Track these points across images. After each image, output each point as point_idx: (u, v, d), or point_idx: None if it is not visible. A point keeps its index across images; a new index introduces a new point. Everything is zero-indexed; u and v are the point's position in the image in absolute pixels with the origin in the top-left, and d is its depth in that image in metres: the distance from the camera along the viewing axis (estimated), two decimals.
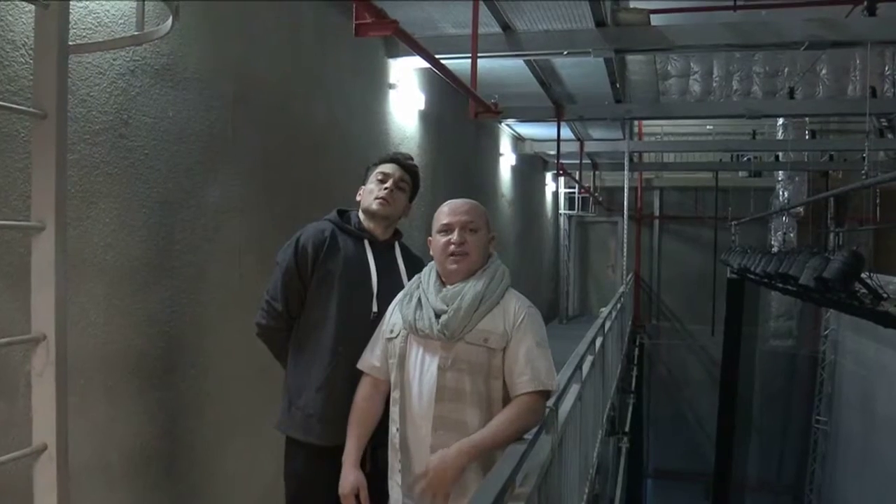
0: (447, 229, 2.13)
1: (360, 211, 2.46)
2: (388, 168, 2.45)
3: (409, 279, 2.36)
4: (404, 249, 2.51)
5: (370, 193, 2.42)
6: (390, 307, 2.25)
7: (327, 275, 2.34)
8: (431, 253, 2.19)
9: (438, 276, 2.16)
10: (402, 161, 2.49)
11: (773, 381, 14.86)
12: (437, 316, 2.04)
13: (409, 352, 2.10)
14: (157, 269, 2.87)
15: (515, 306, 2.09)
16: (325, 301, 2.34)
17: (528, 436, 1.95)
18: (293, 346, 2.41)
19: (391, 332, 2.17)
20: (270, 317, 2.40)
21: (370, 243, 2.41)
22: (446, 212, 2.17)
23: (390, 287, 2.33)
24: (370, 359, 2.23)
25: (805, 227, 13.84)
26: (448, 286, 2.11)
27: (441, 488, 1.85)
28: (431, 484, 1.85)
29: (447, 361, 2.03)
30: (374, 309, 2.32)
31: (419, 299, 2.11)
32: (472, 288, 2.07)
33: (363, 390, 2.23)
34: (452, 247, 2.10)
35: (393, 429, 2.11)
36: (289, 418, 2.39)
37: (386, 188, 2.40)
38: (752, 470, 14.88)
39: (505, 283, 2.14)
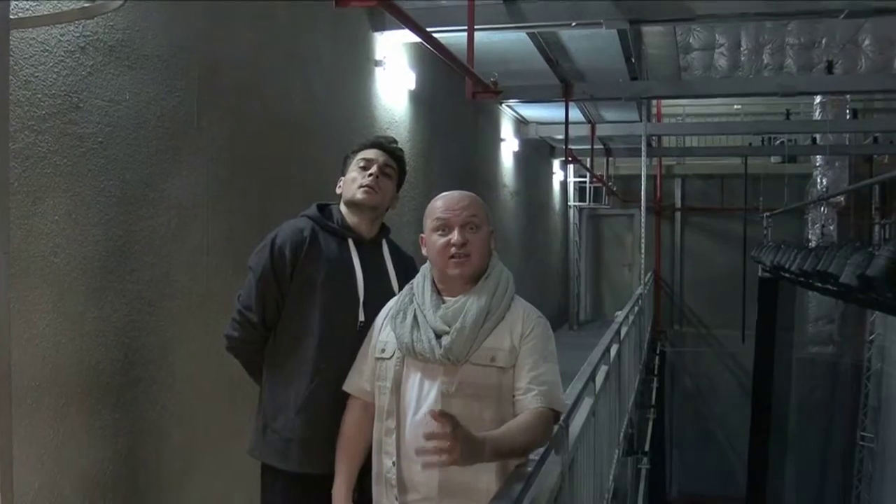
0: (444, 227, 2.11)
1: (341, 204, 2.46)
2: (370, 154, 2.44)
3: (399, 282, 2.36)
4: (393, 248, 2.51)
5: (352, 182, 2.41)
6: (378, 320, 2.24)
7: (308, 281, 2.33)
8: (425, 254, 2.17)
9: (433, 285, 2.14)
10: (385, 145, 2.48)
11: (812, 392, 14.90)
12: (438, 336, 2.03)
13: (405, 376, 2.09)
14: (113, 272, 2.87)
15: (523, 317, 2.09)
16: (306, 311, 2.33)
17: (535, 456, 1.95)
18: (269, 361, 2.41)
19: (382, 351, 2.16)
20: (243, 329, 2.39)
21: (355, 243, 2.40)
22: (441, 206, 2.14)
23: (378, 293, 2.33)
24: (358, 380, 2.21)
25: (846, 218, 13.88)
26: (448, 299, 2.10)
27: (448, 454, 1.72)
28: (446, 446, 1.72)
29: (451, 387, 2.01)
30: (361, 319, 2.31)
31: (415, 316, 2.09)
32: (474, 302, 2.05)
33: (352, 415, 2.22)
34: (454, 248, 2.08)
35: (388, 462, 2.08)
36: (264, 443, 2.38)
37: (371, 174, 2.39)
38: (790, 493, 14.92)
39: (510, 292, 2.13)
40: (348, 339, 2.28)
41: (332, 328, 2.32)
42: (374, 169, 2.41)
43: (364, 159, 2.43)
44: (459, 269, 2.09)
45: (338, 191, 2.48)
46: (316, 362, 2.31)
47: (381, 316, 2.23)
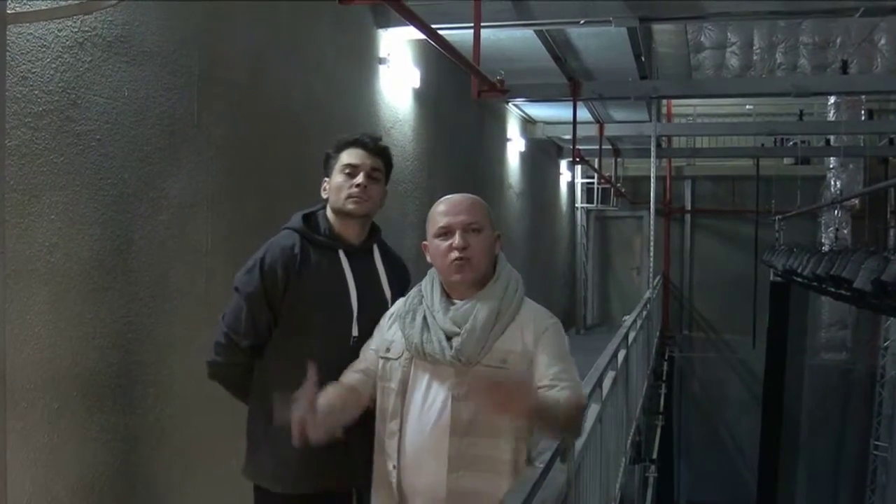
0: (446, 232, 2.12)
1: (328, 210, 2.42)
2: (354, 158, 2.37)
3: (392, 289, 2.36)
4: (384, 252, 2.48)
5: (339, 191, 2.35)
6: (384, 319, 2.24)
7: (300, 300, 2.30)
8: (430, 260, 2.18)
9: (443, 287, 2.15)
10: (368, 145, 2.40)
11: (825, 400, 14.86)
12: (449, 338, 2.04)
13: (412, 378, 2.09)
14: (111, 272, 2.87)
15: (535, 319, 2.10)
16: (299, 330, 2.31)
17: (540, 464, 1.94)
18: (258, 381, 2.38)
19: (388, 350, 2.16)
20: (230, 353, 2.36)
21: (345, 253, 2.37)
22: (443, 211, 2.15)
23: (371, 305, 2.32)
24: (352, 374, 2.21)
25: (861, 221, 13.84)
26: (457, 301, 2.11)
27: (489, 401, 1.81)
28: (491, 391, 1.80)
29: (462, 389, 2.01)
30: (355, 333, 2.30)
31: (424, 318, 2.10)
32: (485, 304, 2.07)
33: (349, 380, 2.19)
34: (455, 252, 2.09)
35: (389, 466, 2.08)
36: (255, 464, 2.38)
37: (358, 184, 2.33)
38: (801, 503, 14.88)
39: (520, 294, 2.15)
40: (342, 355, 2.26)
41: (325, 346, 2.28)
42: (360, 177, 2.34)
43: (349, 165, 2.36)
44: (461, 275, 2.10)
45: (323, 194, 2.43)
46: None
47: (388, 314, 2.24)
